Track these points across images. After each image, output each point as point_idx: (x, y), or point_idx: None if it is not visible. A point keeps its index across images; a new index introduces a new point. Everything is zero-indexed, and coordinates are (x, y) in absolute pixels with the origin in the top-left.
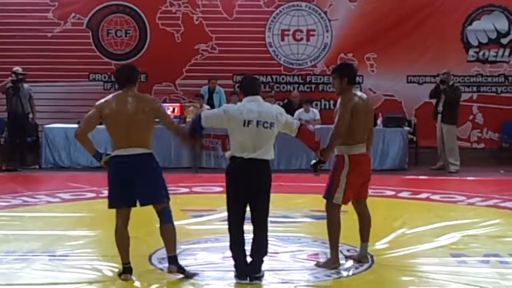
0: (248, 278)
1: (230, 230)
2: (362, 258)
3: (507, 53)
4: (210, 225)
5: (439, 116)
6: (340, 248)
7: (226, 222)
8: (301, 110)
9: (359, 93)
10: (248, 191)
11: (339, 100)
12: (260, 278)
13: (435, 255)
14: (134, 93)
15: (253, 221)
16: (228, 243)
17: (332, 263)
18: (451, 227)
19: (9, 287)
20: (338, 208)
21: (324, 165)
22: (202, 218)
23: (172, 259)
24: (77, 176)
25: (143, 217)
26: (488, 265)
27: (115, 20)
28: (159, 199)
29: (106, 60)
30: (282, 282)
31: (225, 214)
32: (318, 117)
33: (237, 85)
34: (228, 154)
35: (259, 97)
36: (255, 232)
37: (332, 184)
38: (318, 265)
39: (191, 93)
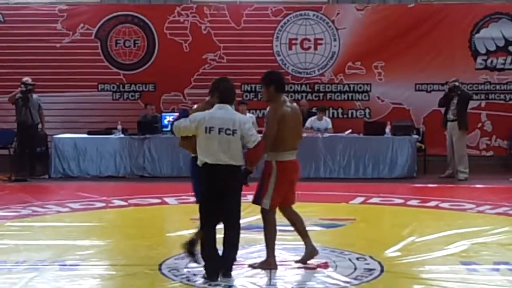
0: (220, 275)
1: (202, 234)
2: (311, 252)
3: None
4: (219, 234)
5: (449, 123)
6: (349, 256)
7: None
8: (314, 118)
9: (288, 101)
10: (217, 194)
11: (268, 108)
12: (230, 276)
13: (445, 263)
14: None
15: (225, 222)
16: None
17: (267, 265)
18: (460, 235)
19: None
20: (272, 212)
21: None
22: None
23: None
24: (86, 186)
25: (155, 227)
26: (499, 273)
27: (124, 30)
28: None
29: (115, 70)
30: None
31: None
32: (330, 126)
33: (245, 94)
34: (198, 162)
35: (227, 106)
36: (226, 231)
37: (261, 189)
38: (253, 266)
39: (200, 102)
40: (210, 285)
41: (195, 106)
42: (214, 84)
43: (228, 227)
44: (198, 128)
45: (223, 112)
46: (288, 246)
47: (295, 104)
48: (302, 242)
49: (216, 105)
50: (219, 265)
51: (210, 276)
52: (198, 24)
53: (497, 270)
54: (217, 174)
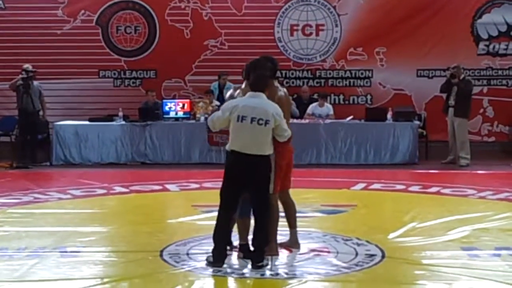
0: (251, 266)
1: (218, 216)
2: (293, 244)
3: None
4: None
5: (450, 109)
6: (350, 242)
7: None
8: (315, 104)
9: (279, 86)
10: (244, 184)
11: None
12: (262, 266)
13: (446, 248)
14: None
15: (254, 213)
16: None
17: (269, 250)
18: (462, 220)
19: (22, 283)
20: (276, 196)
21: None
22: (212, 214)
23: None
24: (88, 173)
25: (156, 213)
26: (500, 258)
27: (125, 16)
28: None
29: (116, 57)
30: (293, 276)
31: None
32: (332, 112)
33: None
34: (227, 146)
35: (261, 94)
36: (255, 222)
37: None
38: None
39: (201, 89)
40: (213, 270)
41: (236, 92)
42: (248, 68)
43: (257, 217)
44: (230, 116)
45: (257, 101)
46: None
47: (285, 89)
48: (304, 228)
49: (250, 93)
50: (224, 257)
51: (215, 261)
52: (199, 10)
53: (499, 255)
54: (244, 163)
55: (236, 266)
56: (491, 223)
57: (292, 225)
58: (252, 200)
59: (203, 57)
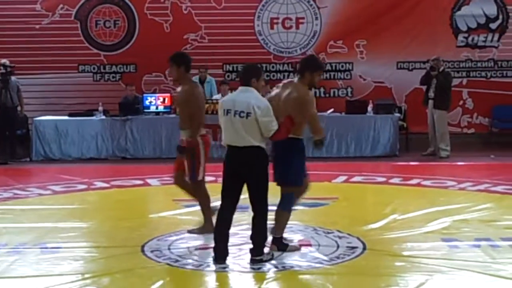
0: (250, 260)
1: (218, 213)
2: (207, 227)
3: (496, 38)
4: (198, 216)
5: (430, 101)
6: (331, 235)
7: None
8: None
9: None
10: (238, 177)
11: (182, 88)
12: (259, 261)
13: (427, 240)
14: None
15: (251, 206)
16: None
17: (205, 229)
18: (442, 212)
19: (2, 280)
20: (203, 183)
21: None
22: (193, 208)
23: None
24: (68, 168)
25: (137, 208)
26: (479, 249)
27: (104, 10)
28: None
29: (95, 51)
30: (275, 269)
31: (217, 203)
32: None
33: (227, 74)
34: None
35: (248, 88)
36: (253, 216)
37: (195, 166)
38: (191, 231)
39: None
40: (200, 265)
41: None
42: (304, 63)
43: (253, 211)
44: (219, 111)
45: (240, 95)
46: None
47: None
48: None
49: (239, 88)
50: (226, 253)
51: (216, 258)
52: (178, 4)
53: (478, 246)
54: (235, 156)
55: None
56: (471, 214)
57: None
58: (248, 193)
59: (183, 51)
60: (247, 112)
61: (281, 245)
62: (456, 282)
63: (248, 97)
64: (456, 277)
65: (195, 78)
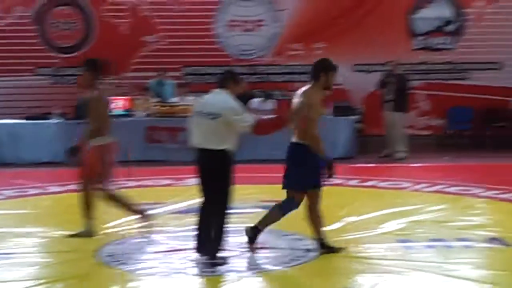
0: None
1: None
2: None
3: (451, 40)
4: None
5: (387, 104)
6: (288, 237)
7: (174, 215)
8: (259, 100)
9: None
10: (203, 178)
11: (90, 95)
12: (216, 265)
13: (382, 241)
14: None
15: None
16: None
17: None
18: (397, 213)
19: None
20: (109, 190)
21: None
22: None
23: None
24: (22, 173)
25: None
26: (434, 250)
27: (61, 12)
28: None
29: (52, 53)
30: (231, 271)
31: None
32: (273, 107)
33: (186, 76)
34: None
35: (221, 91)
36: (209, 216)
37: (102, 174)
38: (74, 235)
39: (140, 86)
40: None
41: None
42: (317, 65)
43: (209, 212)
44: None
45: (211, 97)
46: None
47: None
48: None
49: (213, 90)
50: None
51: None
52: (137, 6)
53: (433, 247)
54: (199, 157)
55: (178, 265)
56: (426, 215)
57: (90, 215)
58: (209, 194)
59: (141, 54)
60: (216, 114)
61: (253, 233)
62: (410, 282)
63: (219, 99)
64: (410, 277)
65: (154, 81)
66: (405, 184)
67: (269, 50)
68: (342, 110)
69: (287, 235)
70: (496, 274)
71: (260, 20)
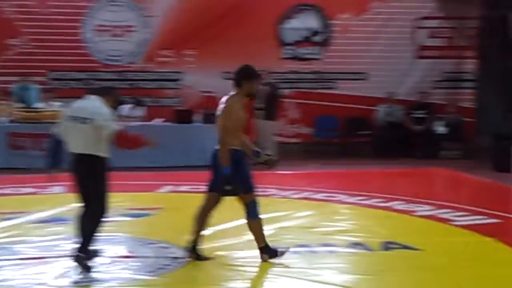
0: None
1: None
2: None
3: (319, 50)
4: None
5: (258, 112)
6: (155, 246)
7: (36, 225)
8: (128, 106)
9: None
10: (77, 184)
11: None
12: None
13: (250, 248)
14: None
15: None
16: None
17: None
18: (265, 220)
19: None
20: None
21: None
22: (13, 221)
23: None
24: None
25: None
26: (299, 255)
27: None
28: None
29: None
30: (92, 281)
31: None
32: (142, 114)
33: (52, 82)
34: None
35: (93, 96)
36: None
37: None
38: None
39: (3, 90)
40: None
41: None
42: (240, 73)
43: (86, 211)
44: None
45: (84, 102)
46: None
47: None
48: (109, 232)
49: (85, 96)
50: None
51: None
52: (0, 7)
53: (298, 252)
54: (74, 162)
55: (38, 275)
56: (293, 221)
57: None
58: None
59: (5, 57)
60: (87, 118)
61: (270, 252)
62: None
63: (92, 104)
64: (277, 283)
65: (17, 86)
66: (273, 191)
67: (139, 56)
68: (213, 117)
69: (153, 243)
70: (359, 278)
71: (129, 26)
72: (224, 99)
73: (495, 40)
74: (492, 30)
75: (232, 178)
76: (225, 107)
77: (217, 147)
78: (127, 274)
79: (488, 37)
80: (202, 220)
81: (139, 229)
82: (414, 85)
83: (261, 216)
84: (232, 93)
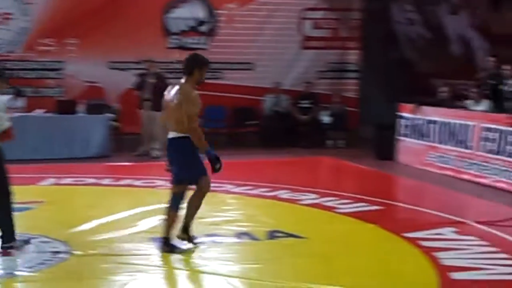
0: None
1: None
2: None
3: (205, 40)
4: None
5: (146, 103)
6: (35, 240)
7: None
8: (10, 97)
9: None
10: None
11: None
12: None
13: (133, 240)
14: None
15: None
16: None
17: None
18: (151, 211)
19: None
20: None
21: None
22: None
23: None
24: None
25: None
26: (186, 246)
27: None
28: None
29: None
30: None
31: None
32: (23, 104)
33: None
34: None
35: None
36: None
37: None
38: None
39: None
40: None
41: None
42: (191, 61)
43: None
44: None
45: None
46: None
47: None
48: None
49: None
50: None
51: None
52: None
53: (185, 244)
54: None
55: None
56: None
57: None
58: None
59: None
60: None
61: (170, 247)
62: (160, 280)
63: None
64: (162, 275)
65: None
66: (159, 182)
67: (19, 45)
68: (97, 108)
69: (34, 238)
70: (245, 268)
71: (8, 13)
72: (173, 88)
73: (378, 32)
74: (375, 21)
75: (174, 162)
76: (181, 95)
77: (174, 135)
78: (5, 270)
79: (371, 28)
80: (195, 206)
81: (21, 223)
82: (300, 75)
83: (179, 212)
84: (182, 81)
